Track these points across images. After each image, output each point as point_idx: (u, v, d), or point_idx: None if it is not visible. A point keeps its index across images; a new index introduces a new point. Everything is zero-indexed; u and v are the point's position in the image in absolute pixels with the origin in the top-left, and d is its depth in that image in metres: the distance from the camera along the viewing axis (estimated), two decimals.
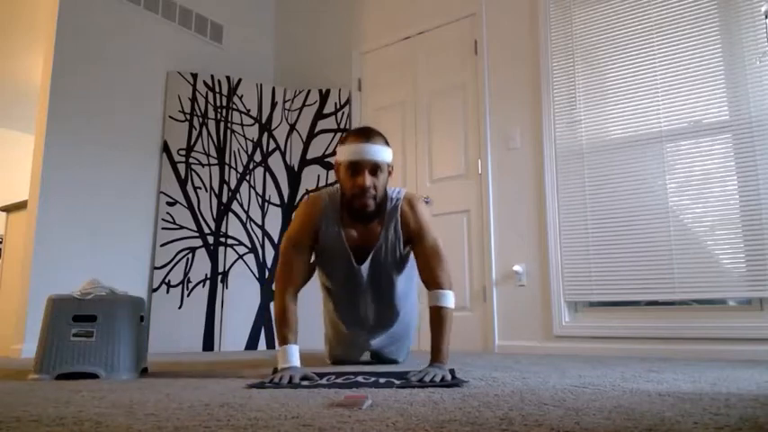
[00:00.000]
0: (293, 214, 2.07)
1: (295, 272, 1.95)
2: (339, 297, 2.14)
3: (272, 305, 3.96)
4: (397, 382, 1.59)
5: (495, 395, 1.35)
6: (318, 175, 4.19)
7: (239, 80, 4.22)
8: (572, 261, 3.13)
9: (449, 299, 1.89)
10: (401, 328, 2.26)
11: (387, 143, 1.94)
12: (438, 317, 1.86)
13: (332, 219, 1.98)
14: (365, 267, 2.01)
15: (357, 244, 2.00)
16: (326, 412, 1.10)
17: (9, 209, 3.89)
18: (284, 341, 1.83)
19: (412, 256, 2.07)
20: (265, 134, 4.22)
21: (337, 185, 2.03)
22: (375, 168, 1.87)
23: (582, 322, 3.09)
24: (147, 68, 3.98)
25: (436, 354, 1.81)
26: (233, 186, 4.05)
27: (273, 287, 2.01)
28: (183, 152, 3.97)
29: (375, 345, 2.27)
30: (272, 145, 4.23)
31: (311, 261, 2.06)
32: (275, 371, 1.77)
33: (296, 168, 4.23)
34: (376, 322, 2.17)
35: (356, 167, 1.86)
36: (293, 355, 1.80)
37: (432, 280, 1.92)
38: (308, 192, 4.18)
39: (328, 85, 4.39)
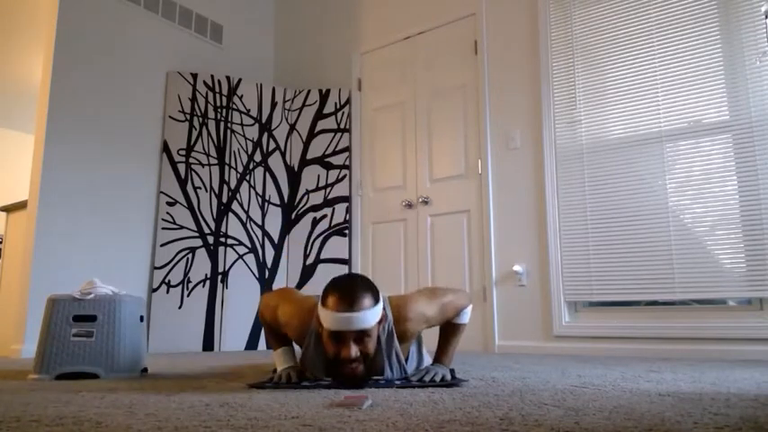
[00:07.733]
0: (286, 295, 1.82)
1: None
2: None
3: None
4: (397, 381, 1.60)
5: (495, 395, 1.35)
6: (318, 175, 4.19)
7: (239, 80, 4.22)
8: (572, 261, 3.13)
9: (465, 316, 1.87)
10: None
11: (375, 299, 1.59)
12: (452, 328, 1.83)
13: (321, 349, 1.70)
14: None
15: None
16: (326, 412, 1.10)
17: (9, 209, 3.88)
18: (280, 344, 1.83)
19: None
20: (265, 134, 4.22)
21: None
22: (361, 335, 1.58)
23: (582, 322, 3.09)
24: (147, 68, 3.98)
25: (440, 355, 1.81)
26: (233, 186, 4.05)
27: (259, 308, 1.84)
28: (183, 152, 3.97)
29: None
30: (272, 145, 4.23)
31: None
32: (275, 371, 1.77)
33: (296, 168, 4.23)
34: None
35: (339, 337, 1.58)
36: (291, 356, 1.80)
37: (450, 315, 1.81)
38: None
39: (328, 85, 4.40)
